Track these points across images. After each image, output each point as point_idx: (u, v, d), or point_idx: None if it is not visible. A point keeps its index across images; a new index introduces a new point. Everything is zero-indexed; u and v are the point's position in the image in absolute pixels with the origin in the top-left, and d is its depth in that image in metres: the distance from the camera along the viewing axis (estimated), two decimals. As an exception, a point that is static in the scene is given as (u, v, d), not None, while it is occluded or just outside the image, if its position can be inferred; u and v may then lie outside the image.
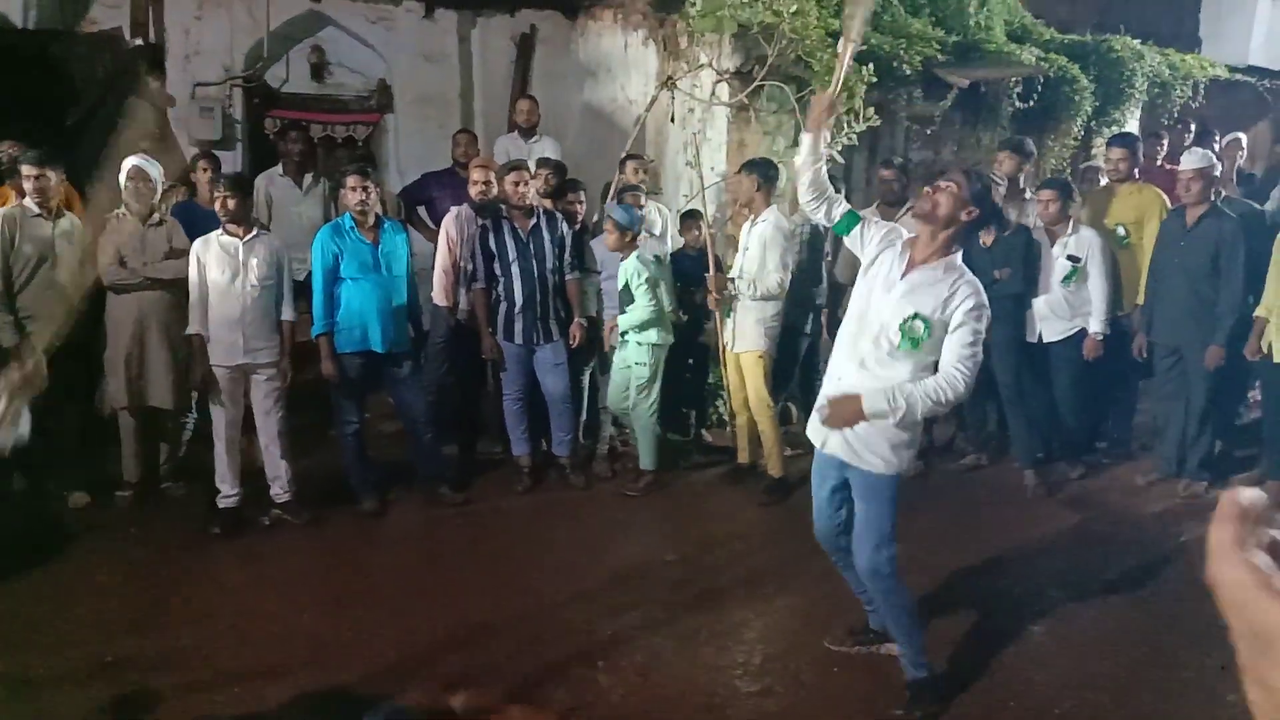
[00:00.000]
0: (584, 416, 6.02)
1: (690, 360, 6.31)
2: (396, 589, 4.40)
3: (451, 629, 3.98)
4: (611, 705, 3.42)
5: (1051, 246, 5.71)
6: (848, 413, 3.13)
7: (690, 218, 6.11)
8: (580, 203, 5.86)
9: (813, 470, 3.55)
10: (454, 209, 5.77)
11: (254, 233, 5.00)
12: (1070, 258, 5.65)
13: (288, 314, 5.10)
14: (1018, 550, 4.83)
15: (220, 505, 4.98)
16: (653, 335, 5.50)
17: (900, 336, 3.16)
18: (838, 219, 3.46)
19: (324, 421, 5.71)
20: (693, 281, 5.87)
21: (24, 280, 4.91)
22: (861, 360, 3.24)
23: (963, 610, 4.13)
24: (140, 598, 4.24)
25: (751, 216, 5.47)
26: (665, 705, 3.43)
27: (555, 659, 3.71)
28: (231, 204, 4.87)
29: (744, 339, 5.46)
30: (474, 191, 5.63)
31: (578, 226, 5.78)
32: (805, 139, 3.47)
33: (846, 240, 3.50)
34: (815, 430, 3.41)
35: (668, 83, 6.88)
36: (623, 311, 5.50)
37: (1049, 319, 5.74)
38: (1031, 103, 7.77)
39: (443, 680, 3.61)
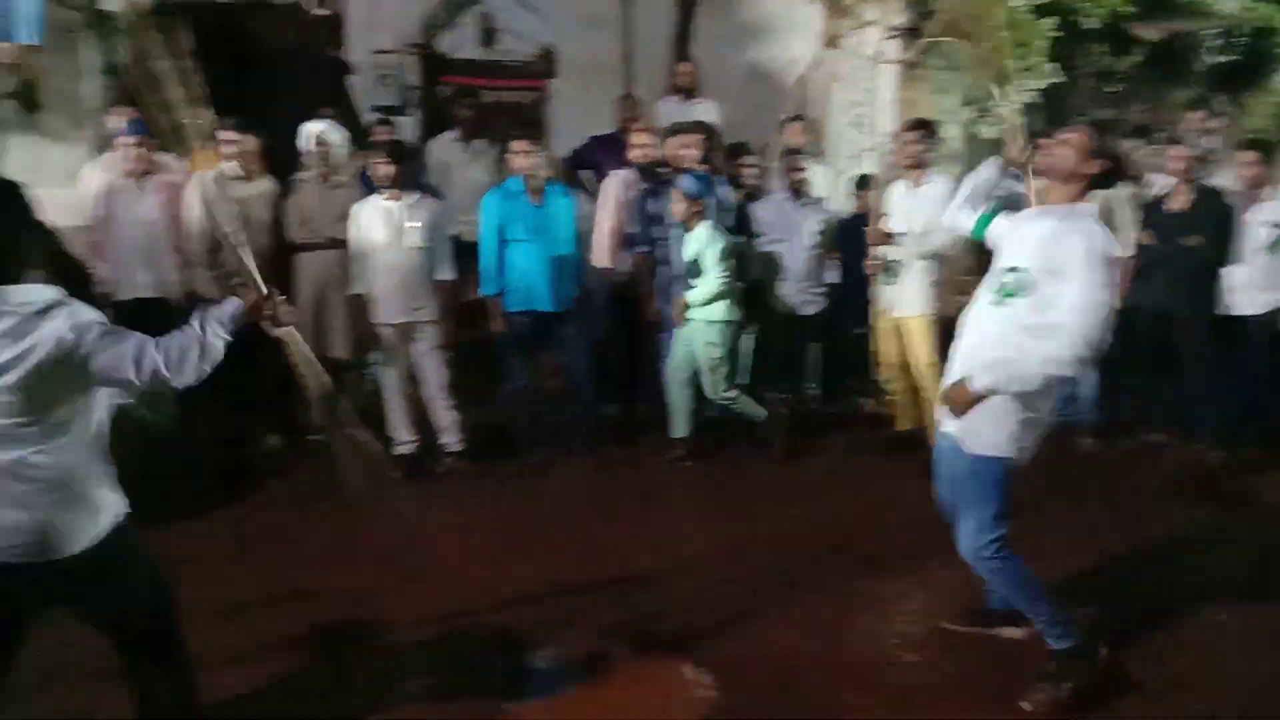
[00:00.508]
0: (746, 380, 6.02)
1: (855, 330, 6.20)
2: (560, 539, 4.54)
3: (613, 580, 4.09)
4: (768, 663, 3.44)
5: (1251, 212, 5.31)
6: (961, 400, 3.06)
7: (864, 184, 5.96)
8: (751, 167, 5.83)
9: (938, 439, 3.45)
10: (616, 172, 5.85)
11: (414, 196, 5.20)
12: (1274, 224, 5.25)
13: (446, 274, 5.29)
14: (1195, 534, 4.56)
15: (396, 452, 5.25)
16: (722, 311, 5.34)
17: (1002, 292, 3.05)
18: (973, 225, 3.41)
19: (493, 377, 5.91)
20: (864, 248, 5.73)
21: (222, 239, 5.26)
22: (980, 325, 3.14)
23: (1138, 597, 3.94)
24: (325, 536, 4.54)
25: (916, 177, 5.31)
26: (821, 668, 3.42)
27: (715, 614, 3.75)
28: (387, 171, 5.08)
29: (909, 303, 5.33)
30: (636, 155, 5.68)
31: (745, 191, 5.76)
32: (992, 167, 3.52)
33: (988, 241, 3.37)
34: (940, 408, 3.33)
35: (833, 41, 6.73)
36: (689, 287, 5.36)
37: (1246, 290, 5.35)
38: (1231, 57, 7.21)
39: (603, 627, 3.71)
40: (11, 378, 2.25)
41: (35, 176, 5.23)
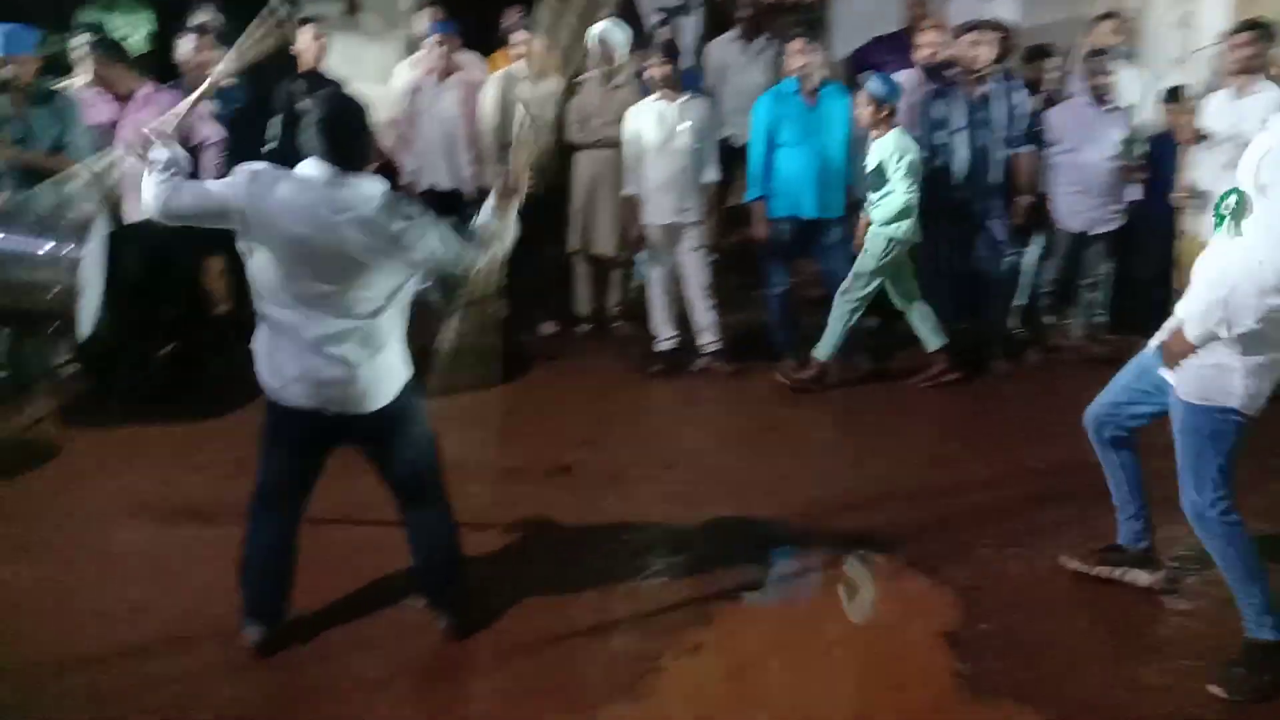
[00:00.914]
0: (1022, 300, 5.69)
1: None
2: (808, 444, 4.58)
3: (861, 489, 4.09)
4: (1014, 593, 3.34)
5: None
6: (1177, 350, 2.75)
7: (1173, 98, 5.25)
8: (1052, 71, 5.37)
9: (1140, 354, 3.10)
10: (899, 73, 5.58)
11: (685, 96, 5.23)
12: None
13: (712, 175, 5.33)
14: None
15: (657, 348, 5.46)
16: (901, 229, 4.91)
17: (1219, 218, 2.67)
18: None
19: (754, 281, 5.95)
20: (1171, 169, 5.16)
21: (511, 135, 5.57)
22: (1203, 261, 2.79)
23: None
24: (591, 417, 4.86)
25: (1241, 84, 4.68)
26: (1070, 606, 3.27)
27: (962, 537, 3.67)
28: (662, 71, 5.12)
29: None
30: (922, 55, 5.40)
31: (1044, 97, 5.33)
32: None
33: None
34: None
35: (1164, -73, 5.98)
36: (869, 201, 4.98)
37: None
38: None
39: (848, 537, 3.74)
40: (365, 259, 2.67)
41: (353, 73, 5.86)
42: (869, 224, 5.02)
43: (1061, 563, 3.42)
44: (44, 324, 4.32)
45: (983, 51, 5.13)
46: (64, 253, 3.85)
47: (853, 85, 6.27)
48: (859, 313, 5.13)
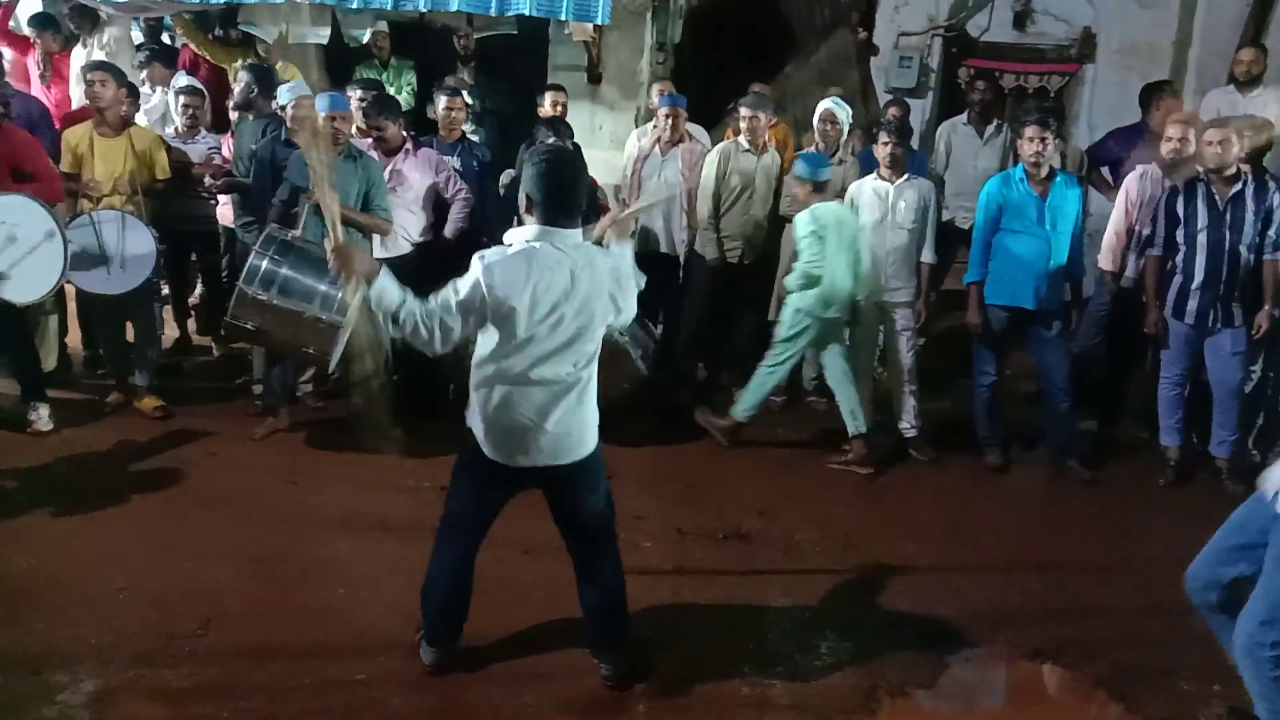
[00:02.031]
0: (1260, 420, 5.21)
1: None
2: (1003, 544, 4.36)
3: (1054, 600, 3.86)
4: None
5: None
6: None
7: None
8: None
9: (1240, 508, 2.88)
10: (1139, 168, 5.35)
11: (904, 177, 5.19)
12: None
13: (928, 256, 5.26)
14: None
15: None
16: (807, 300, 4.99)
17: None
18: None
19: (963, 369, 5.77)
20: None
21: (728, 206, 5.71)
22: None
23: None
24: (768, 486, 4.85)
25: None
26: None
27: (1162, 664, 3.39)
28: (888, 151, 5.13)
29: None
30: (1166, 149, 5.13)
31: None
32: None
33: None
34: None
35: None
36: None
37: None
38: None
39: (1032, 645, 3.53)
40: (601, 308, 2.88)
41: (590, 139, 6.21)
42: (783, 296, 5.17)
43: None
44: (297, 355, 4.80)
45: (1225, 151, 4.80)
46: (339, 295, 4.30)
47: (1092, 178, 6.11)
48: (775, 379, 5.21)
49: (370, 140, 5.36)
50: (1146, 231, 5.21)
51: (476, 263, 2.75)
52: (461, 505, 3.12)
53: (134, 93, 5.50)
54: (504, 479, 2.99)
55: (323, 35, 7.20)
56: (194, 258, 6.32)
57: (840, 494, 4.87)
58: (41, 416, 4.93)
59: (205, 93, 6.21)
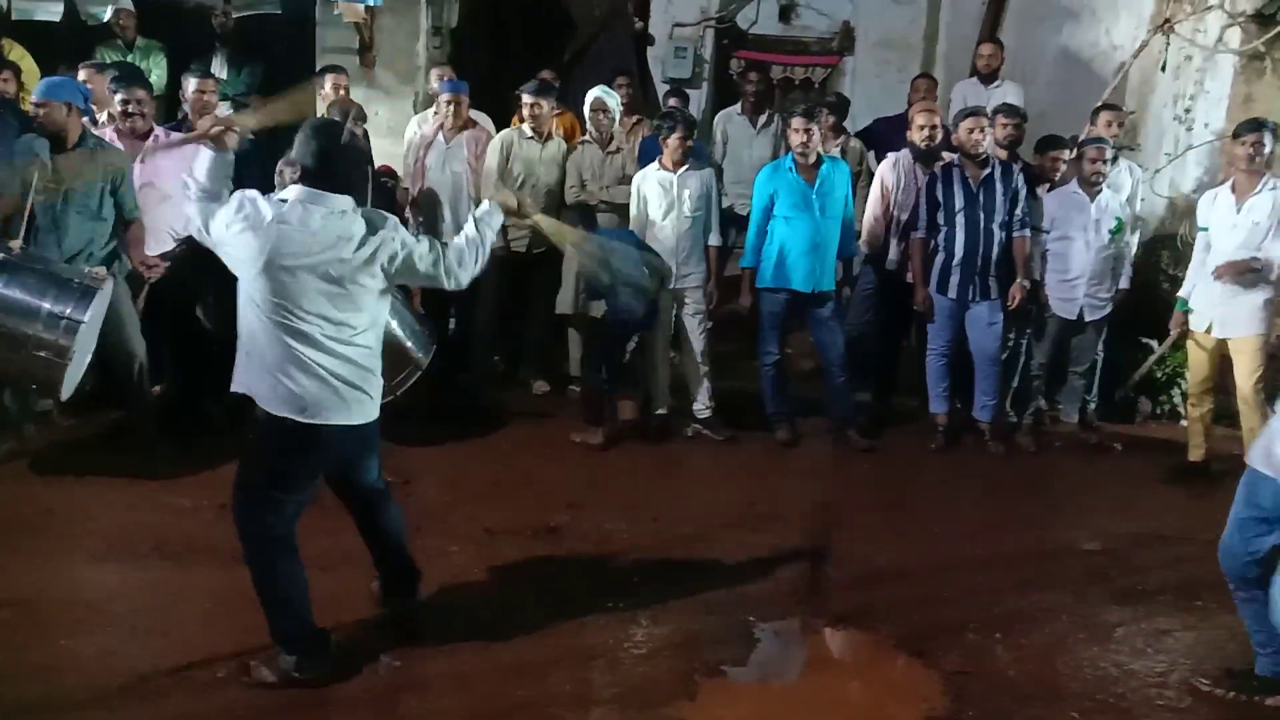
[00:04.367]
0: (1015, 383, 5.71)
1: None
2: (798, 517, 4.53)
3: (847, 566, 4.04)
4: (1003, 679, 3.28)
5: None
6: None
7: None
8: (1062, 160, 5.46)
9: (1242, 483, 3.10)
10: (892, 155, 5.72)
11: (685, 166, 5.29)
12: None
13: (714, 240, 5.42)
14: None
15: (652, 413, 5.44)
16: None
17: None
18: None
19: (748, 350, 5.97)
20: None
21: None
22: None
23: None
24: (580, 480, 4.79)
25: (1246, 183, 4.76)
26: (1061, 696, 3.21)
27: (950, 619, 3.62)
28: (673, 142, 5.20)
29: (1240, 323, 4.80)
30: (917, 137, 5.51)
31: (1049, 184, 5.43)
32: None
33: None
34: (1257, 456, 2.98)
35: (1164, 26, 6.15)
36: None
37: None
38: None
39: (833, 611, 3.69)
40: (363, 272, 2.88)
41: (368, 127, 5.91)
42: None
43: (1196, 683, 3.25)
44: (23, 383, 4.28)
45: (983, 137, 5.23)
46: (66, 313, 3.82)
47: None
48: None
49: (112, 130, 4.88)
50: (904, 215, 5.57)
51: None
52: (295, 504, 3.03)
53: None
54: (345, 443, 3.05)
55: (54, 11, 6.47)
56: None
57: (645, 479, 4.92)
58: None
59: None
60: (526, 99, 5.62)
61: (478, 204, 5.52)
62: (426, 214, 5.73)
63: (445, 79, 5.96)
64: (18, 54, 5.82)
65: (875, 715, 3.15)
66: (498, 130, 5.93)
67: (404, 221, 5.61)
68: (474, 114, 5.97)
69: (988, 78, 6.65)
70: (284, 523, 2.98)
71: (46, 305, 3.85)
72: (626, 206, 5.45)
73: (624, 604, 3.63)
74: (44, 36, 6.65)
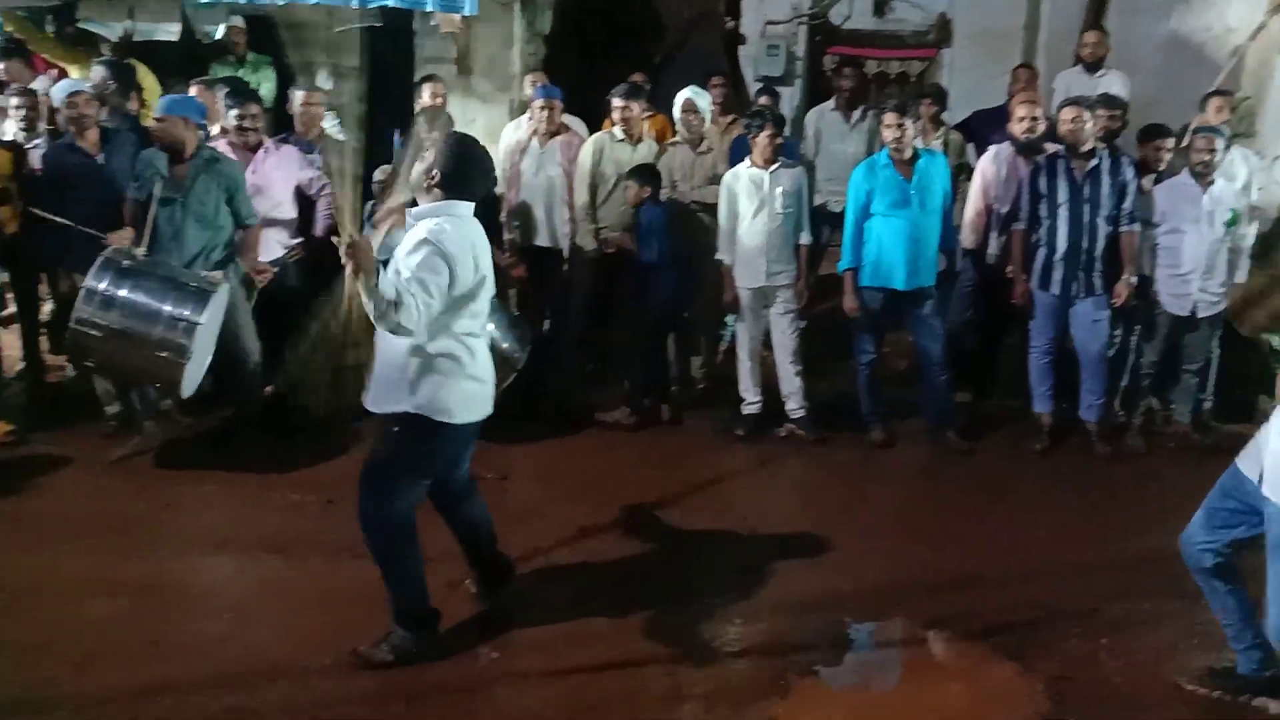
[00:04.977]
0: (1124, 383, 5.50)
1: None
2: (893, 519, 4.47)
3: (943, 569, 3.96)
4: (1108, 687, 3.17)
5: None
6: None
7: None
8: (1165, 150, 5.24)
9: (1224, 477, 3.04)
10: (993, 147, 5.58)
11: (777, 163, 5.26)
12: None
13: (805, 238, 5.36)
14: None
15: (743, 412, 5.42)
16: None
17: None
18: None
19: (843, 350, 5.90)
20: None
21: (605, 196, 5.66)
22: None
23: None
24: (665, 478, 4.80)
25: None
26: (1169, 706, 3.09)
27: (1051, 624, 3.52)
28: (762, 140, 5.17)
29: None
30: (1017, 129, 5.36)
31: (1155, 175, 5.23)
32: None
33: None
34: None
35: (1281, 7, 5.85)
36: None
37: None
38: None
39: (927, 615, 3.62)
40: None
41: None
42: None
43: (1179, 682, 3.20)
44: (146, 382, 4.52)
45: (1084, 128, 5.05)
46: (185, 315, 4.04)
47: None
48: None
49: (225, 143, 5.11)
50: (1004, 209, 5.43)
51: (422, 235, 2.95)
52: (417, 497, 3.19)
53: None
54: (465, 440, 3.23)
55: (172, 31, 6.81)
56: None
57: (736, 479, 4.91)
58: None
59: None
60: (617, 102, 5.67)
61: (571, 209, 5.73)
62: (521, 219, 5.83)
63: (539, 85, 6.05)
64: (141, 73, 6.15)
65: (971, 718, 3.09)
66: (590, 134, 6.00)
67: (501, 227, 5.77)
68: (567, 118, 6.04)
69: (1092, 66, 6.42)
70: (410, 510, 3.15)
71: (167, 308, 4.09)
72: (716, 206, 5.45)
73: (716, 602, 3.65)
74: (163, 54, 7.01)
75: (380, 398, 3.13)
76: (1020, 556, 4.09)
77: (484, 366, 3.19)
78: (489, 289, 3.15)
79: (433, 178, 3.06)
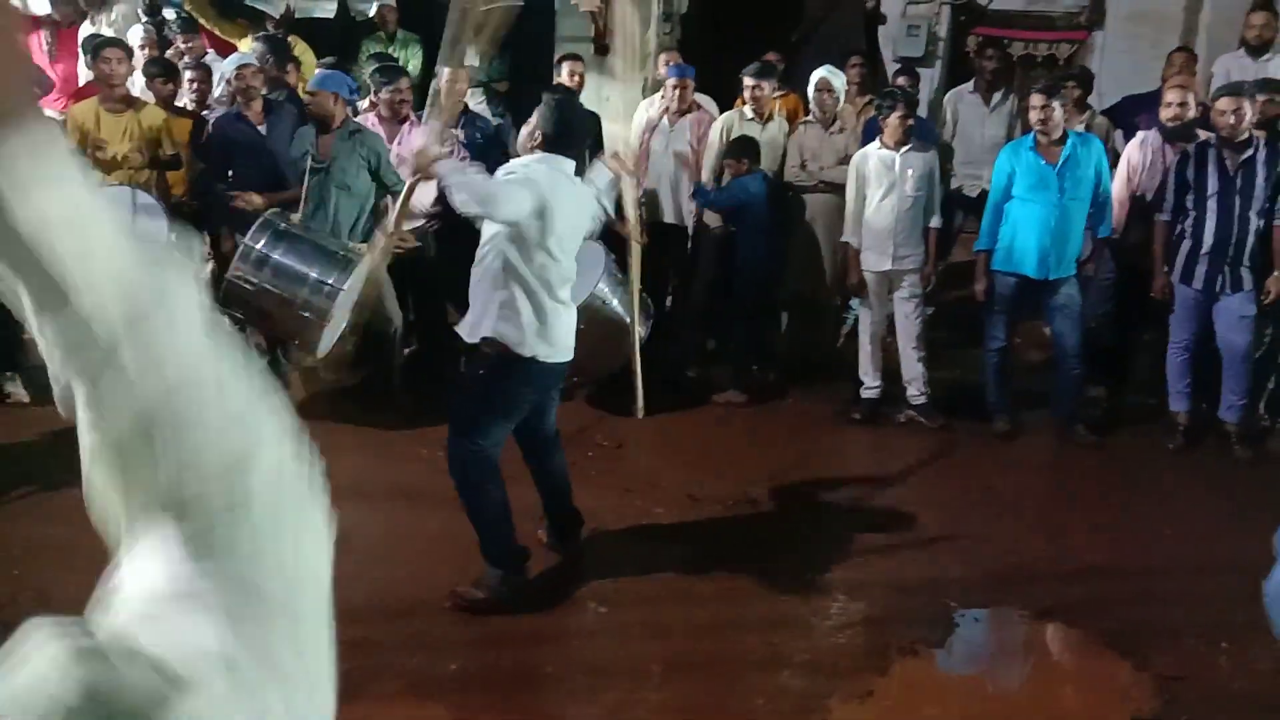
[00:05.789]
0: (1270, 385, 5.22)
1: None
2: (1010, 508, 4.40)
3: (1059, 560, 3.89)
4: (1224, 690, 3.07)
5: None
6: None
7: None
8: None
9: None
10: (1140, 134, 5.35)
11: (908, 145, 5.18)
12: None
13: (935, 222, 5.28)
14: None
15: (862, 395, 5.40)
16: None
17: None
18: None
19: (973, 338, 5.78)
20: None
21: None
22: None
23: None
24: (780, 454, 4.86)
25: None
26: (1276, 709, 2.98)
27: (1168, 622, 3.42)
28: (894, 121, 5.10)
29: None
30: (1165, 115, 5.12)
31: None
32: None
33: None
34: None
35: None
36: None
37: None
38: None
39: (1041, 604, 3.57)
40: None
41: (598, 110, 6.20)
42: None
43: None
44: (287, 339, 4.84)
45: (1239, 119, 4.78)
46: (330, 281, 4.31)
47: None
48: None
49: (374, 116, 5.39)
50: (1150, 197, 5.21)
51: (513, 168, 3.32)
52: (498, 438, 3.35)
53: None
54: (542, 384, 3.39)
55: (328, 9, 7.20)
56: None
57: (851, 460, 4.92)
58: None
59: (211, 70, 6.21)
60: (748, 81, 5.70)
61: (697, 186, 5.81)
62: (648, 196, 5.93)
63: (672, 64, 6.14)
64: (300, 49, 6.52)
65: (1076, 711, 3.05)
66: (721, 113, 6.05)
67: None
68: (698, 97, 6.11)
69: (1257, 50, 6.06)
70: (492, 449, 3.33)
71: (314, 273, 4.37)
72: (844, 186, 5.42)
73: (821, 576, 3.69)
74: (319, 31, 7.41)
75: (469, 326, 3.37)
76: (1142, 553, 3.98)
77: (562, 313, 3.34)
78: (575, 239, 3.33)
79: (535, 139, 3.33)
